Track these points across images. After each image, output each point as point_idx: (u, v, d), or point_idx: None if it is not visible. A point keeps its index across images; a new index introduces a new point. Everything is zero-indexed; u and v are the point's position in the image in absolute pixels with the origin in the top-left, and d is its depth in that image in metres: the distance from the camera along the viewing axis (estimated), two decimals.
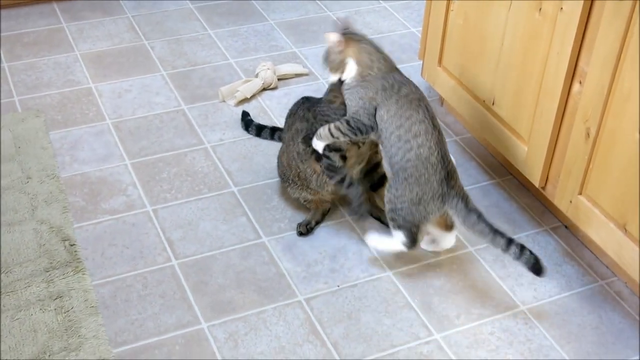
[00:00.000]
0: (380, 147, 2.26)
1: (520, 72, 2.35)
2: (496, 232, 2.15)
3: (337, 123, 2.24)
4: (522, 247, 2.15)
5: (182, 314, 2.17)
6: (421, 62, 2.97)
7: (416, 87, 2.26)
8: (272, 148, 2.74)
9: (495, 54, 2.45)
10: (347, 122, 2.23)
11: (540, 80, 2.27)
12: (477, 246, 2.40)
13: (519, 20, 2.31)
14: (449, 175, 2.18)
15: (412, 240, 2.23)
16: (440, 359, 2.08)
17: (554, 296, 2.26)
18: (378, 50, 2.27)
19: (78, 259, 2.28)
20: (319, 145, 2.28)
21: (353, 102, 2.24)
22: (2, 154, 2.64)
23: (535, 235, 2.45)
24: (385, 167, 2.26)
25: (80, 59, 3.19)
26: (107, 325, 2.12)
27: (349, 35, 2.26)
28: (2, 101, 2.93)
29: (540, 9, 2.22)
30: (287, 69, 3.14)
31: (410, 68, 3.20)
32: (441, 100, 2.98)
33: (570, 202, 2.26)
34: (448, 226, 2.30)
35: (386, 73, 2.24)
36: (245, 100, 2.98)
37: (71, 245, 2.32)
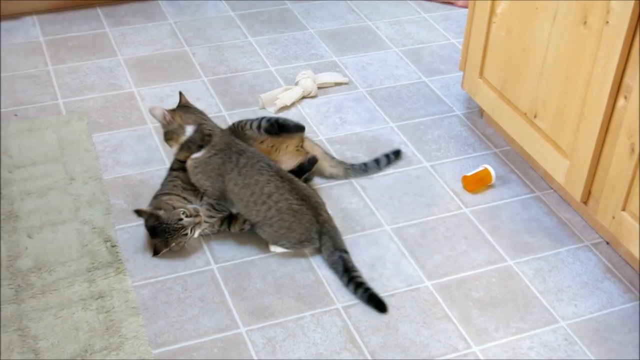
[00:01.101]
0: (242, 216, 2.38)
1: (564, 86, 2.35)
2: (345, 271, 2.28)
3: (204, 210, 2.36)
4: (360, 285, 2.26)
5: (221, 317, 2.18)
6: (462, 73, 2.97)
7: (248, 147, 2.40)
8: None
9: (538, 67, 2.45)
10: (212, 207, 2.37)
11: (584, 94, 2.27)
12: (516, 259, 2.40)
13: (563, 33, 2.31)
14: (317, 212, 2.35)
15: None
16: None
17: (595, 313, 2.25)
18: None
19: (119, 259, 2.30)
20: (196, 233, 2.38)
21: (206, 181, 2.37)
22: (47, 155, 2.67)
23: (576, 251, 2.44)
24: (257, 231, 2.38)
25: (123, 64, 3.22)
26: (147, 326, 2.13)
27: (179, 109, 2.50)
28: (47, 104, 2.97)
29: (585, 22, 2.22)
30: (327, 77, 3.15)
31: (450, 79, 3.20)
32: (481, 112, 2.98)
33: (613, 217, 2.24)
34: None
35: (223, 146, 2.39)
36: (285, 107, 3.00)
37: (113, 246, 2.34)
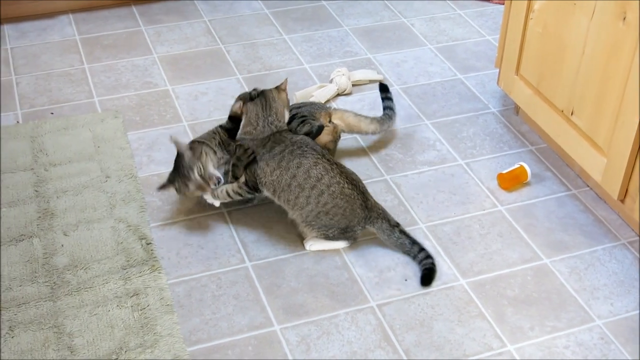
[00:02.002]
0: (279, 202, 2.36)
1: (602, 82, 2.32)
2: (414, 243, 2.32)
3: (236, 187, 2.37)
4: (428, 256, 2.31)
5: (255, 315, 2.18)
6: (497, 70, 2.95)
7: (296, 140, 2.36)
8: (344, 152, 2.74)
9: (575, 63, 2.42)
10: (246, 184, 2.37)
11: (622, 91, 2.24)
12: (552, 258, 2.37)
13: (602, 29, 2.28)
14: (365, 197, 2.32)
15: (353, 239, 2.38)
16: None
17: (631, 312, 2.22)
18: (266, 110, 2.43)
19: (154, 257, 2.31)
20: (214, 202, 2.44)
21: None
22: (83, 153, 2.69)
23: (612, 249, 2.41)
24: (296, 218, 2.36)
25: (158, 62, 3.24)
26: (181, 324, 2.14)
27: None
28: (82, 102, 2.99)
29: (624, 19, 2.19)
30: (361, 75, 3.14)
31: (485, 76, 3.18)
32: (516, 109, 2.96)
33: None
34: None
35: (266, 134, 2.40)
36: None
37: (148, 244, 2.35)
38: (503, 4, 3.57)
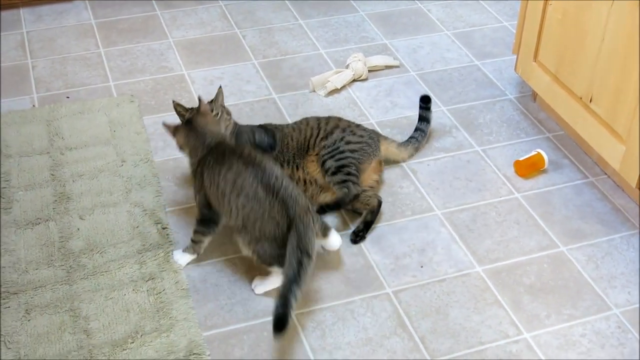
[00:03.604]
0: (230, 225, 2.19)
1: (621, 69, 2.30)
2: (293, 281, 2.00)
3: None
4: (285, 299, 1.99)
5: (270, 301, 2.17)
6: (514, 56, 2.92)
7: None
8: None
9: (594, 50, 2.40)
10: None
11: None
12: (569, 246, 2.36)
13: (621, 16, 2.26)
14: (285, 203, 2.09)
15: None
16: (529, 359, 2.05)
17: None
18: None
19: (170, 241, 2.31)
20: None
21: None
22: (99, 138, 2.69)
23: (630, 238, 2.39)
24: (239, 243, 2.17)
25: (174, 46, 3.23)
26: (197, 308, 2.14)
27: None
28: (98, 86, 2.99)
29: None
30: (377, 60, 3.12)
31: (502, 63, 3.16)
32: (534, 96, 2.94)
33: None
34: (323, 233, 2.23)
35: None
36: (335, 90, 2.98)
37: (163, 229, 2.35)
38: None
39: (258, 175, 2.11)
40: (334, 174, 2.40)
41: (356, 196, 2.38)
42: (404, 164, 2.64)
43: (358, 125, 2.56)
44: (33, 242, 2.30)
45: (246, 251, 2.15)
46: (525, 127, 2.82)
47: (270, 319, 2.02)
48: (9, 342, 2.02)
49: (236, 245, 2.33)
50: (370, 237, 2.37)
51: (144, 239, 2.31)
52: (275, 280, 2.17)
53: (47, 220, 2.37)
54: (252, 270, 2.26)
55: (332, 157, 2.44)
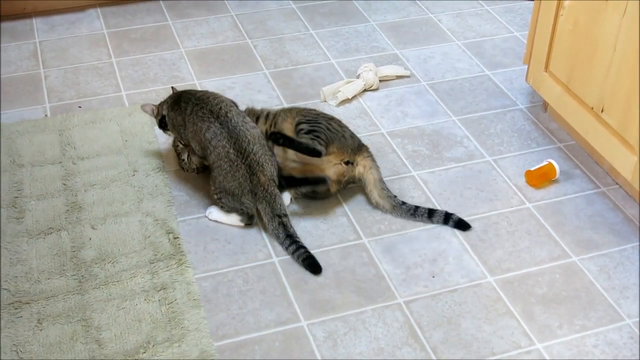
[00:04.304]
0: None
1: (633, 79, 2.29)
2: (289, 236, 2.32)
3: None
4: (301, 246, 2.31)
5: (282, 311, 2.18)
6: (525, 66, 2.93)
7: (209, 100, 2.45)
8: (371, 148, 2.74)
9: (606, 60, 2.40)
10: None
11: None
12: (581, 256, 2.36)
13: (633, 26, 2.26)
14: (251, 170, 2.33)
15: (248, 217, 2.41)
16: None
17: None
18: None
19: (181, 251, 2.32)
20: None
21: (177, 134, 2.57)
22: (111, 147, 2.70)
23: None
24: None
25: (185, 56, 3.24)
26: (208, 319, 2.14)
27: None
28: (110, 95, 3.00)
29: None
30: (388, 70, 3.13)
31: (513, 73, 3.16)
32: (545, 106, 2.93)
33: None
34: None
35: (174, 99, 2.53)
36: (346, 100, 2.99)
37: (175, 238, 2.36)
38: (532, 0, 3.55)
39: (231, 139, 2.34)
40: (305, 133, 2.47)
41: (318, 153, 2.41)
42: (415, 174, 2.64)
43: (351, 131, 2.59)
44: (45, 251, 2.31)
45: (211, 191, 2.42)
46: (537, 137, 2.82)
47: (282, 328, 2.03)
48: (21, 351, 2.03)
49: (248, 254, 2.34)
50: (381, 246, 2.38)
51: (155, 249, 2.32)
52: (230, 219, 2.42)
53: (59, 229, 2.38)
54: (264, 280, 2.26)
55: (308, 122, 2.51)
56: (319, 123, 2.51)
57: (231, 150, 2.34)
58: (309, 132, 2.47)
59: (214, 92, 2.54)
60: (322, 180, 2.44)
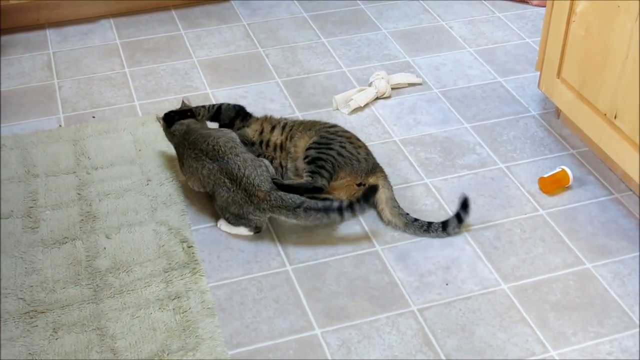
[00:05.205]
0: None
1: None
2: (326, 209, 2.34)
3: None
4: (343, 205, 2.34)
5: (296, 319, 2.18)
6: (537, 73, 2.93)
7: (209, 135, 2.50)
8: (384, 156, 2.74)
9: (619, 66, 2.39)
10: None
11: None
12: (594, 262, 2.35)
13: None
14: (248, 193, 2.36)
15: (256, 227, 2.44)
16: None
17: None
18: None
19: (195, 260, 2.33)
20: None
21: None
22: (124, 157, 2.72)
23: None
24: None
25: (198, 65, 3.26)
26: (222, 327, 2.15)
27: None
28: (123, 105, 3.01)
29: None
30: (400, 78, 3.13)
31: (525, 79, 3.16)
32: (557, 113, 2.93)
33: None
34: None
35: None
36: (358, 109, 2.99)
37: (189, 247, 2.37)
38: (543, 6, 3.56)
39: (223, 169, 2.39)
40: (309, 163, 2.47)
41: (319, 190, 2.41)
42: (428, 181, 2.64)
43: (366, 148, 2.58)
44: (60, 261, 2.32)
45: (217, 210, 2.46)
46: (549, 143, 2.82)
47: (296, 336, 2.04)
48: None
49: (262, 263, 2.35)
50: (395, 254, 2.38)
51: (169, 258, 2.33)
52: (239, 230, 2.44)
53: (74, 239, 2.39)
54: (277, 289, 2.27)
55: (318, 148, 2.50)
56: (330, 149, 2.49)
57: (226, 180, 2.38)
58: (313, 160, 2.46)
59: (214, 129, 2.60)
60: (319, 190, 2.44)
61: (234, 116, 2.66)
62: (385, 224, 2.49)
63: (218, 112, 2.66)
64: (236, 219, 2.40)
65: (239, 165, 2.39)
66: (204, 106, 2.67)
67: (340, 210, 2.34)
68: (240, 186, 2.36)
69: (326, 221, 2.39)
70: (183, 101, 2.70)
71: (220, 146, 2.43)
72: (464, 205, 2.45)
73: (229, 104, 2.69)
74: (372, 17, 3.59)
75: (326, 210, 2.34)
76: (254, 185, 2.36)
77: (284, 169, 2.56)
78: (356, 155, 2.51)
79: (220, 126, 2.66)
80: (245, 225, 2.41)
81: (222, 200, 2.40)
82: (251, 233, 2.43)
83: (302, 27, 3.52)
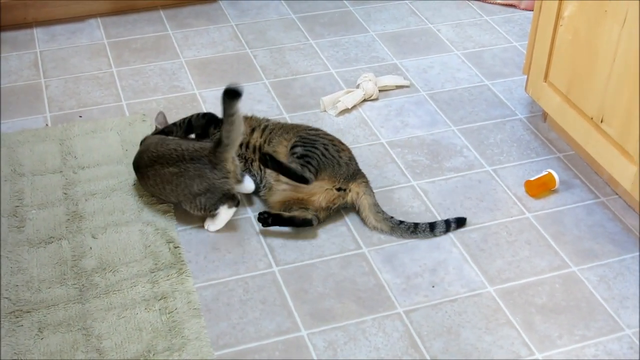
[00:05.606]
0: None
1: (633, 90, 2.30)
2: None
3: None
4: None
5: (282, 320, 2.18)
6: (524, 76, 2.94)
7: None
8: (371, 158, 2.74)
9: (606, 70, 2.41)
10: None
11: None
12: (580, 266, 2.36)
13: (633, 37, 2.27)
14: (198, 159, 2.38)
15: (232, 199, 2.42)
16: None
17: None
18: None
19: (182, 261, 2.32)
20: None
21: None
22: (111, 157, 2.71)
23: None
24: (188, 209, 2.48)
25: (185, 66, 3.25)
26: (209, 328, 2.15)
27: None
28: (110, 105, 3.01)
29: None
30: (388, 80, 3.14)
31: (512, 83, 3.17)
32: (544, 116, 2.94)
33: None
34: (238, 180, 2.46)
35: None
36: (346, 110, 3.00)
37: (175, 248, 2.36)
38: (531, 10, 3.57)
39: (163, 164, 2.41)
40: (298, 157, 2.46)
41: (305, 180, 2.41)
42: (415, 184, 2.65)
43: (349, 153, 2.58)
44: (46, 260, 2.31)
45: (191, 211, 2.44)
46: (536, 147, 2.83)
47: (282, 338, 2.03)
48: None
49: (249, 264, 2.34)
50: (381, 256, 2.38)
51: (156, 258, 2.32)
52: (223, 215, 2.42)
53: (60, 239, 2.38)
54: (264, 290, 2.26)
55: (303, 145, 2.50)
56: (315, 148, 2.49)
57: (172, 169, 2.39)
58: (301, 156, 2.46)
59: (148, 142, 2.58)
60: (308, 223, 2.43)
61: (205, 125, 2.62)
62: (371, 229, 2.48)
63: (190, 126, 2.62)
64: (210, 199, 2.38)
65: (174, 148, 2.42)
66: (174, 124, 2.64)
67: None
68: (186, 160, 2.38)
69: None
70: (157, 118, 2.71)
71: (152, 150, 2.45)
72: (460, 222, 2.47)
73: (198, 114, 2.64)
74: (360, 19, 3.60)
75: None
76: (196, 149, 2.39)
77: (262, 171, 2.54)
78: (337, 159, 2.50)
79: (197, 137, 2.62)
80: (221, 202, 2.39)
81: (184, 189, 2.38)
82: (233, 209, 2.42)
83: (290, 29, 3.52)
